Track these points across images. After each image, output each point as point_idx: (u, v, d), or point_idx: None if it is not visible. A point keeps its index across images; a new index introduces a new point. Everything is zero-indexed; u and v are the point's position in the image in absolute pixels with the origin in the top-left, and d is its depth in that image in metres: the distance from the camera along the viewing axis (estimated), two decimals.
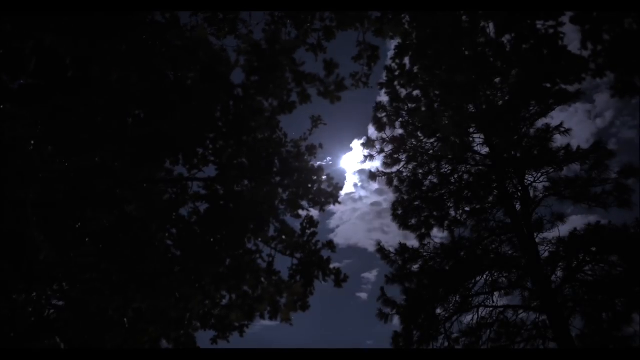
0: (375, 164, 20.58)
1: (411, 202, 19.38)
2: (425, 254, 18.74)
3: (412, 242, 19.43)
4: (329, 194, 5.21)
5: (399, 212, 19.39)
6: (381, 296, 18.04)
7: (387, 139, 19.78)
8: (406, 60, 4.91)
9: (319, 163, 5.39)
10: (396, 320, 17.78)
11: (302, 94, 4.78)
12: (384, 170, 20.05)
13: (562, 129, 17.59)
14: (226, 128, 4.55)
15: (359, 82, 5.49)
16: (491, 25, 4.39)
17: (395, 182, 19.89)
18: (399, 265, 18.68)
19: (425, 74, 4.79)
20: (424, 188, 19.47)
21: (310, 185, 5.16)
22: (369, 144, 20.18)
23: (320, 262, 5.12)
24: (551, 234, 17.35)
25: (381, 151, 20.01)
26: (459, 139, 18.03)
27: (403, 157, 19.79)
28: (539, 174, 17.60)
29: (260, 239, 4.95)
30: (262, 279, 4.77)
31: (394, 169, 19.87)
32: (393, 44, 5.05)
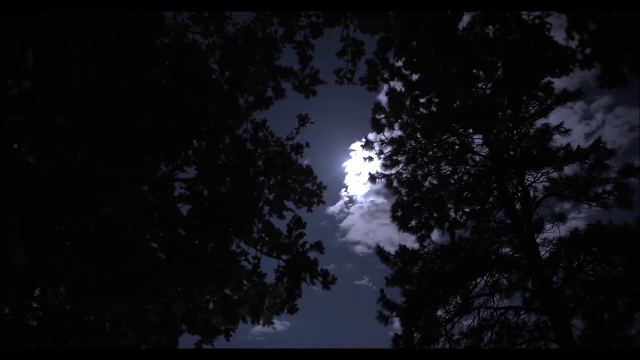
0: (375, 166, 20.53)
1: (411, 204, 19.27)
2: (425, 255, 18.63)
3: (411, 243, 19.35)
4: (313, 193, 5.10)
5: (399, 213, 19.28)
6: (381, 298, 17.93)
7: (386, 140, 19.66)
8: (389, 55, 4.82)
9: (306, 163, 5.31)
10: (396, 323, 17.68)
11: (276, 88, 4.68)
12: (383, 172, 19.95)
13: (562, 129, 17.47)
14: (204, 126, 4.45)
15: (344, 78, 5.39)
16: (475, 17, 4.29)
17: (395, 184, 19.79)
18: (399, 267, 18.58)
19: (408, 67, 4.69)
20: (423, 189, 19.36)
21: (295, 185, 5.06)
22: (367, 145, 20.05)
23: (307, 263, 5.01)
24: (552, 234, 17.27)
25: (380, 153, 19.90)
26: (446, 136, 17.97)
27: (402, 158, 19.68)
28: (539, 174, 17.48)
29: (242, 241, 4.84)
30: (245, 282, 4.65)
31: (393, 171, 19.77)
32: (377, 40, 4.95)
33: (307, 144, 5.37)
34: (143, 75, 4.16)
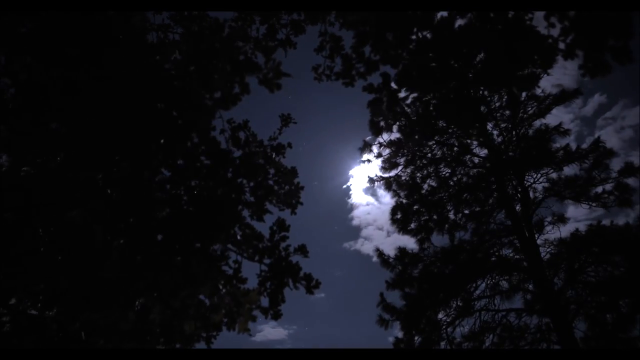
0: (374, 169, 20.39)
1: (410, 206, 19.12)
2: (425, 258, 18.48)
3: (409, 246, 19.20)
4: (291, 194, 4.96)
5: (398, 216, 19.13)
6: (381, 302, 17.77)
7: (385, 143, 19.53)
8: (366, 49, 4.67)
9: (291, 165, 5.17)
10: (396, 328, 17.53)
11: (241, 83, 4.55)
12: (382, 175, 19.81)
13: (561, 129, 17.35)
14: (173, 125, 4.31)
15: (322, 75, 5.26)
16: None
17: (394, 186, 19.64)
18: (399, 271, 18.43)
19: (385, 61, 4.55)
20: (423, 192, 19.21)
21: (276, 187, 4.93)
22: (366, 148, 19.92)
23: (290, 267, 4.87)
24: (552, 235, 17.10)
25: (379, 155, 19.76)
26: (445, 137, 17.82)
27: (401, 160, 19.55)
28: (539, 175, 17.34)
29: (219, 245, 4.70)
30: (220, 287, 4.51)
31: (392, 173, 19.64)
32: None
33: (289, 144, 5.24)
34: (107, 73, 4.04)
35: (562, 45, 3.82)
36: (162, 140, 4.26)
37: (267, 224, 5.33)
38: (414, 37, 4.30)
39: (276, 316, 4.92)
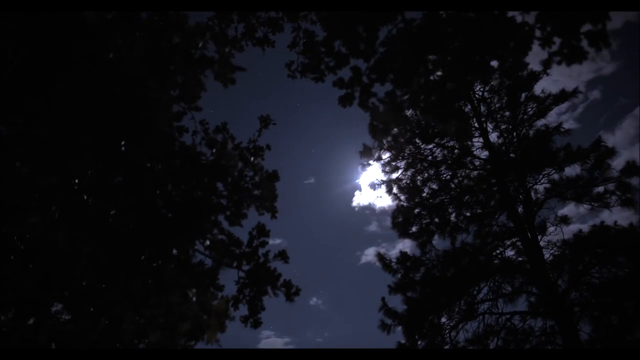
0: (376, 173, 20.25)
1: (411, 210, 18.94)
2: (427, 261, 18.28)
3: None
4: (266, 197, 4.80)
5: (399, 219, 18.95)
6: (382, 307, 17.56)
7: (385, 146, 19.37)
8: (336, 43, 4.50)
9: (273, 169, 5.02)
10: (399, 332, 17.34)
11: (195, 78, 4.40)
12: (383, 178, 19.66)
13: (562, 129, 17.15)
14: (134, 125, 4.15)
15: (295, 72, 5.12)
16: None
17: (395, 190, 19.47)
18: (401, 275, 18.24)
19: (356, 55, 4.38)
20: (423, 194, 19.04)
21: (255, 191, 4.77)
22: (366, 152, 19.76)
23: (268, 274, 4.70)
24: (555, 237, 16.87)
25: (379, 159, 19.63)
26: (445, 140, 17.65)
27: (401, 164, 19.40)
28: (540, 176, 17.13)
29: (190, 250, 4.54)
30: (190, 294, 4.35)
31: (393, 177, 19.48)
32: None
33: (268, 146, 5.10)
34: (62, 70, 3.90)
35: (538, 33, 3.66)
36: (122, 142, 4.11)
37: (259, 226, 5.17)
38: (384, 28, 4.16)
39: (256, 324, 4.76)
